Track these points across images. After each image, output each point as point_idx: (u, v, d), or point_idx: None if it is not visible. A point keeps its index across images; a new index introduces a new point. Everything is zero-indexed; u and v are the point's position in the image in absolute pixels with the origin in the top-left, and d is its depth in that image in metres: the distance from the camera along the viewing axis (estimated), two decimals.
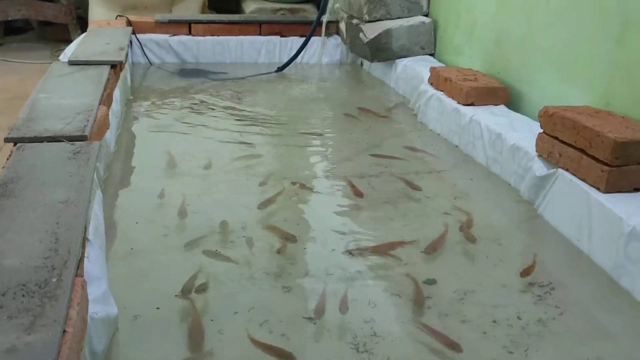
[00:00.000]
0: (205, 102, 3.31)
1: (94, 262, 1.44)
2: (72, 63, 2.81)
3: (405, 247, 1.89)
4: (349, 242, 1.91)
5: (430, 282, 1.73)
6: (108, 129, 2.34)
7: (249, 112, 3.18)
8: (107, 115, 2.34)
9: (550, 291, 1.69)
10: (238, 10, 5.45)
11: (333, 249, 1.87)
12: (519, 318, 1.57)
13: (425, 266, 1.80)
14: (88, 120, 2.02)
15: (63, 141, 1.85)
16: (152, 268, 1.74)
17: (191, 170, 2.41)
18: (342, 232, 1.98)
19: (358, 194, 2.24)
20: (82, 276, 1.28)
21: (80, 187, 1.55)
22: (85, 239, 1.43)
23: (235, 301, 1.60)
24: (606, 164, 1.83)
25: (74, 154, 1.76)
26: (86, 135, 1.90)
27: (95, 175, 1.87)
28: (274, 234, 1.94)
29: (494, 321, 1.56)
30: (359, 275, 1.74)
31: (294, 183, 2.32)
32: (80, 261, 1.30)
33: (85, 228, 1.45)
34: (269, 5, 5.00)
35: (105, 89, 2.47)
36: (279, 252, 1.83)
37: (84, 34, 3.68)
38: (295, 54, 4.10)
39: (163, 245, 1.86)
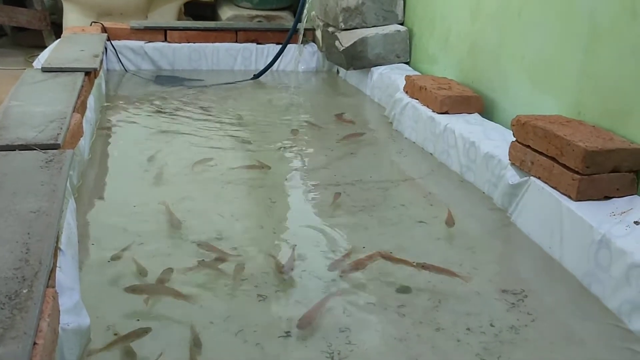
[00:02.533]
0: (180, 108, 3.30)
1: (66, 273, 1.43)
2: (45, 70, 2.78)
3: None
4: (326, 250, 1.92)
5: (405, 290, 1.74)
6: (82, 136, 2.31)
7: (224, 118, 3.17)
8: (81, 122, 2.32)
9: (522, 298, 1.71)
10: (214, 17, 5.45)
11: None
12: (492, 325, 1.58)
13: (400, 273, 1.81)
14: (61, 128, 2.00)
15: (35, 149, 1.83)
16: (127, 277, 1.72)
17: (168, 178, 2.40)
18: (318, 240, 1.99)
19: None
20: (54, 287, 1.27)
21: (52, 196, 1.54)
22: (57, 249, 1.42)
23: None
24: (577, 173, 1.86)
25: (46, 162, 1.74)
26: (59, 144, 1.88)
27: (68, 184, 1.86)
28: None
29: (468, 329, 1.57)
30: (333, 284, 1.75)
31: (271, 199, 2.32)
32: (52, 272, 1.28)
33: (58, 238, 1.43)
34: (246, 12, 5.01)
35: (79, 97, 2.45)
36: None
37: (58, 40, 3.65)
38: (271, 62, 4.11)
39: (138, 254, 1.84)
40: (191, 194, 2.27)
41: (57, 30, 4.87)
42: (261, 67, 4.14)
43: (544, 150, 2.00)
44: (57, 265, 1.40)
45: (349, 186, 2.40)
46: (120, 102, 3.41)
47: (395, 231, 2.07)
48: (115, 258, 1.80)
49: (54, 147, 1.87)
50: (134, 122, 3.07)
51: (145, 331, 1.48)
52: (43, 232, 1.35)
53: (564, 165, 1.91)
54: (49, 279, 1.21)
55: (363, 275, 1.79)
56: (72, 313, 1.33)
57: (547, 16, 2.39)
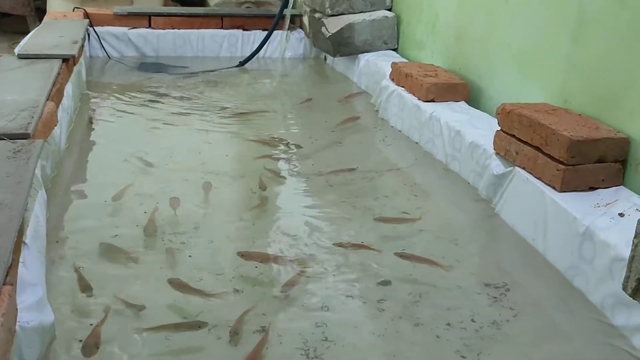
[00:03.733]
0: (164, 96, 3.24)
1: (30, 268, 1.37)
2: (21, 57, 2.71)
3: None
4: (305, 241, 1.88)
5: (385, 283, 1.69)
6: (56, 125, 2.25)
7: (208, 106, 3.11)
8: (55, 111, 2.26)
9: (505, 292, 1.67)
10: (202, 3, 5.37)
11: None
12: (473, 320, 1.54)
13: (380, 265, 1.76)
14: (32, 117, 1.94)
15: (4, 139, 1.77)
16: (99, 273, 1.67)
17: (148, 168, 2.35)
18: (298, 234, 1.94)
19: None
20: (12, 284, 1.22)
21: (17, 188, 1.48)
22: (20, 244, 1.37)
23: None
24: (562, 163, 1.81)
25: (14, 152, 1.68)
26: (29, 133, 1.82)
27: (39, 175, 1.80)
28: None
29: (448, 324, 1.53)
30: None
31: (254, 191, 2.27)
32: (11, 268, 1.23)
33: (21, 232, 1.38)
34: None
35: (54, 84, 2.38)
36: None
37: (38, 26, 3.58)
38: (257, 48, 4.04)
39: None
40: (172, 184, 2.21)
41: (41, 15, 4.78)
42: (247, 54, 4.07)
43: (528, 139, 1.96)
44: (20, 260, 1.35)
45: (333, 176, 2.35)
46: (103, 89, 3.34)
47: (378, 222, 2.02)
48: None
49: (24, 136, 1.81)
50: (116, 111, 3.00)
51: (199, 325, 1.46)
52: (4, 226, 1.30)
53: (548, 155, 1.87)
54: (6, 275, 1.17)
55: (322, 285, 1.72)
56: (34, 310, 1.28)
57: (534, 3, 2.33)
